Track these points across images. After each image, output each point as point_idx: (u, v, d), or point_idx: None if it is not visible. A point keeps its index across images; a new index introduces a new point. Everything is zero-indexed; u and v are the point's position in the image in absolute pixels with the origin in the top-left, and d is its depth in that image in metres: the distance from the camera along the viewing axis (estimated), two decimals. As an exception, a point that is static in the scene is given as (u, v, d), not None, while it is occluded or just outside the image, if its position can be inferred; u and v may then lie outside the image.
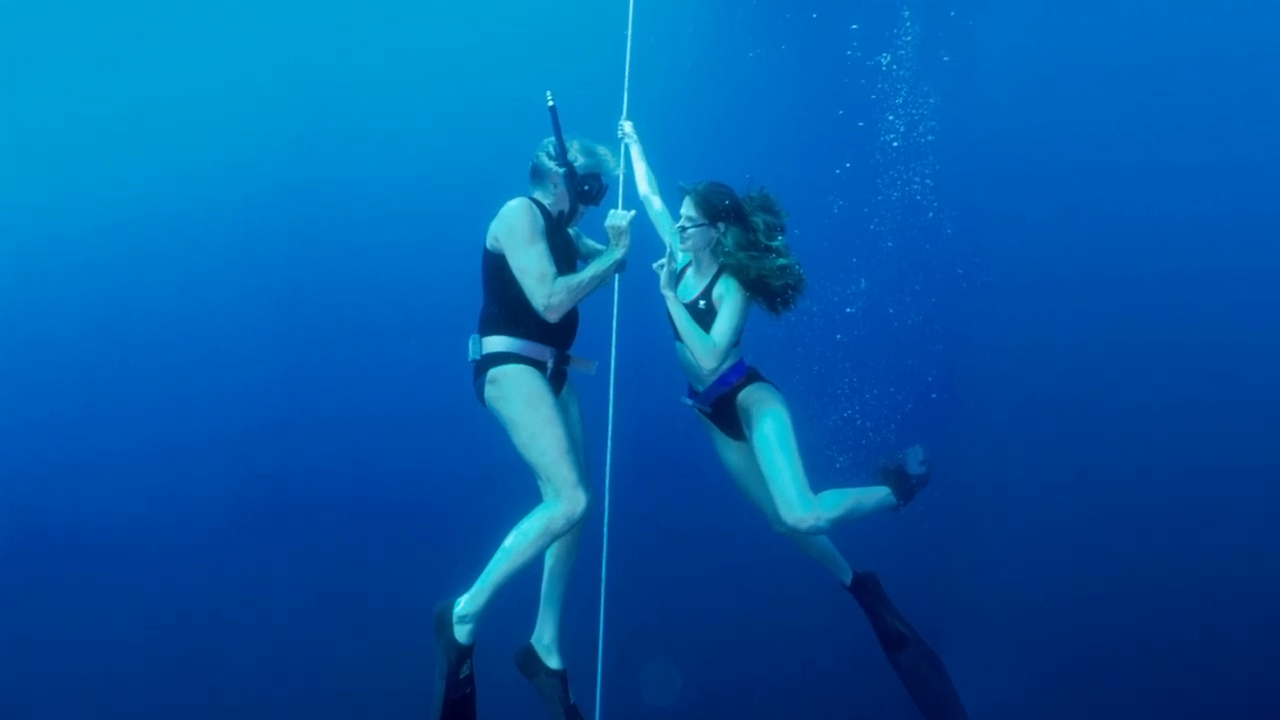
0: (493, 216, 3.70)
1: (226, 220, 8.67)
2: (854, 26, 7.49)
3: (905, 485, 4.13)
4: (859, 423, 7.07)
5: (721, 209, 3.76)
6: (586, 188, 3.83)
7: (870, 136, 7.29)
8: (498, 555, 3.59)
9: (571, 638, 3.96)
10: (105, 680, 6.13)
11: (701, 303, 3.80)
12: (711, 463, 4.19)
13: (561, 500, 3.53)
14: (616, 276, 3.90)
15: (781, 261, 3.71)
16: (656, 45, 4.83)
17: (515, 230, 3.61)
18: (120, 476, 7.65)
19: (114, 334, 8.41)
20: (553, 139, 3.78)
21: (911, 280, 7.51)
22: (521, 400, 3.62)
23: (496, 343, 3.70)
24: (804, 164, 7.30)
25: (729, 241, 3.74)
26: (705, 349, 3.67)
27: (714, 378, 3.86)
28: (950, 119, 7.22)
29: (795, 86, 7.99)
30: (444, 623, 3.65)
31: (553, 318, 3.61)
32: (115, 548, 7.29)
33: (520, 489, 3.74)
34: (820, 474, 3.78)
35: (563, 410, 3.71)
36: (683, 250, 3.90)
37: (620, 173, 4.00)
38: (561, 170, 3.77)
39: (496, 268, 3.67)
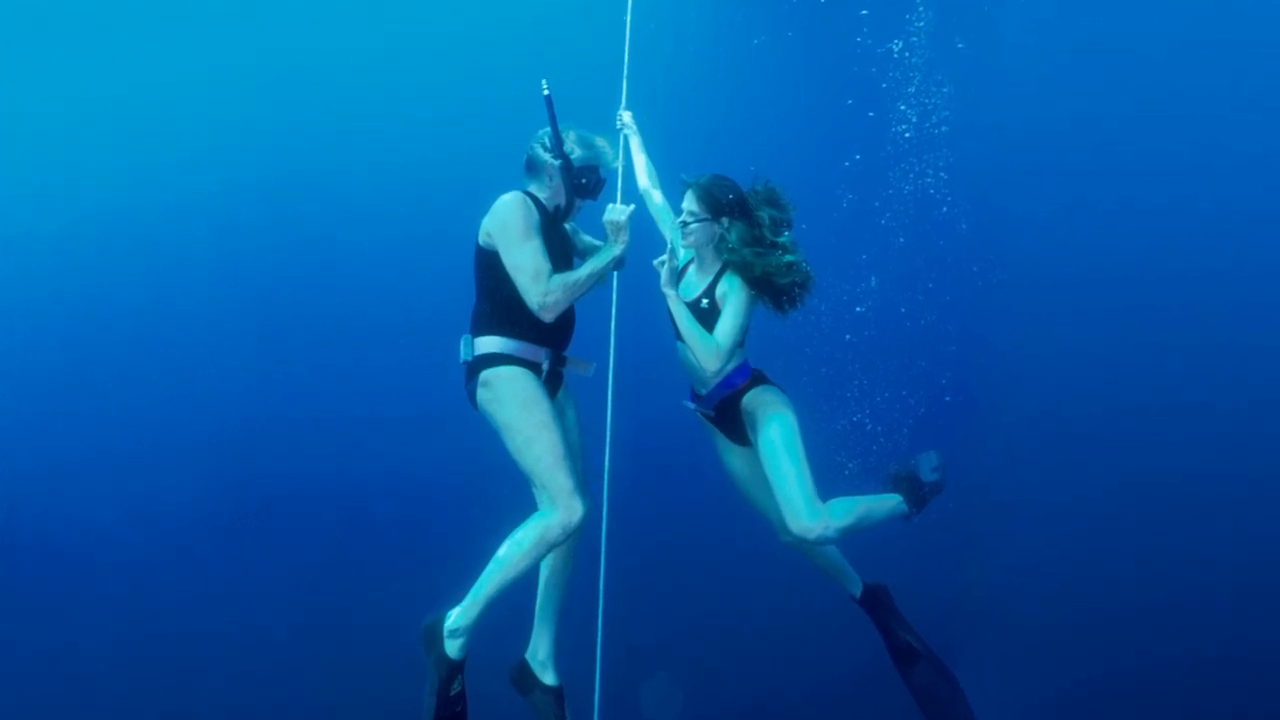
0: (485, 211, 3.70)
1: (204, 214, 8.66)
2: (864, 12, 7.49)
3: (918, 493, 4.14)
4: (869, 427, 7.07)
5: (725, 203, 3.76)
6: (583, 181, 3.83)
7: (881, 127, 7.29)
8: (491, 566, 3.59)
9: (568, 652, 3.96)
10: (77, 698, 6.13)
11: (704, 301, 3.81)
12: (714, 469, 4.20)
13: (557, 508, 3.54)
14: (615, 274, 3.90)
15: (788, 258, 3.71)
16: (657, 31, 4.84)
17: (509, 225, 3.61)
18: (91, 483, 7.64)
19: (84, 334, 8.40)
20: (548, 130, 3.77)
21: (924, 278, 7.51)
22: (515, 404, 3.62)
23: (489, 343, 3.71)
24: (811, 156, 7.30)
25: (733, 237, 3.74)
26: (708, 350, 3.67)
27: (717, 380, 3.87)
28: (965, 109, 7.22)
29: (802, 75, 8.00)
30: (434, 637, 3.66)
31: (548, 317, 3.61)
32: (86, 558, 7.28)
33: (514, 497, 3.74)
34: (829, 481, 3.78)
35: (559, 414, 3.71)
36: (684, 246, 3.91)
37: (619, 165, 4.01)
38: (557, 162, 3.78)
39: (489, 265, 3.67)
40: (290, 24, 8.89)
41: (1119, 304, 7.31)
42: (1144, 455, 6.86)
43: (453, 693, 3.64)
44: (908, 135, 7.22)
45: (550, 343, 3.77)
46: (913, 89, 7.19)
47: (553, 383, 3.82)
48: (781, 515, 3.73)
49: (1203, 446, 6.80)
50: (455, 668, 3.64)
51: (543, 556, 3.65)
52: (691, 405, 4.08)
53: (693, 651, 6.18)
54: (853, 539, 3.89)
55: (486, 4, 8.90)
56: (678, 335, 3.80)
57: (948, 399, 7.30)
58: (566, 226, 3.99)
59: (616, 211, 3.72)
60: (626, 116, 4.29)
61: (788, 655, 6.09)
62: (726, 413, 3.94)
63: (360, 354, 8.16)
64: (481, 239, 3.70)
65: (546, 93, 3.71)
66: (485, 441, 3.78)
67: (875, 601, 4.27)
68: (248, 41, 8.82)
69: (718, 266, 3.83)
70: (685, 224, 3.80)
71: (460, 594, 3.64)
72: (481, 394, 3.69)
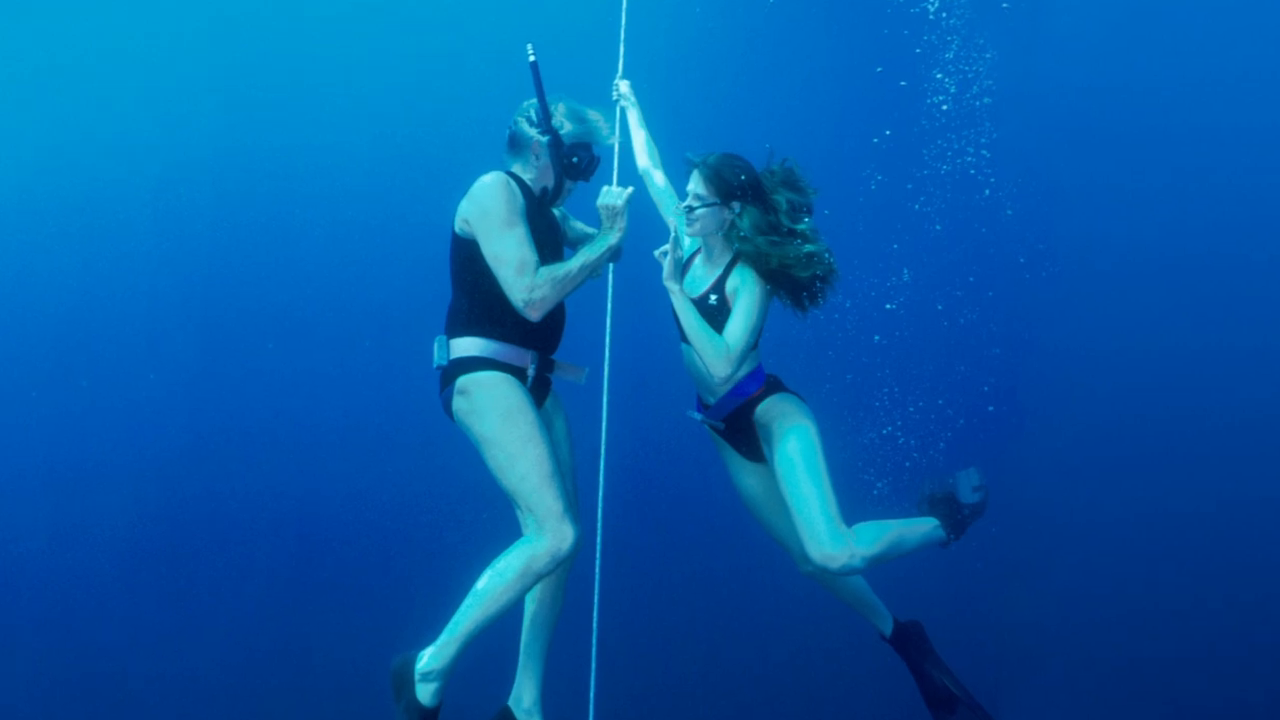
0: (463, 194, 3.71)
1: (142, 194, 8.65)
2: (895, -33, 7.52)
3: (956, 516, 4.15)
4: (901, 441, 7.08)
5: (736, 185, 3.78)
6: (575, 160, 3.85)
7: (915, 98, 7.30)
8: (469, 600, 3.59)
9: (556, 699, 3.97)
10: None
11: (712, 298, 3.82)
12: (723, 489, 4.21)
13: (545, 534, 3.54)
14: (610, 266, 3.92)
15: (808, 248, 3.72)
16: (659, -10, 4.86)
17: (489, 211, 3.62)
18: (12, 505, 7.64)
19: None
20: (534, 101, 3.80)
21: (964, 271, 7.51)
22: (497, 414, 3.63)
23: (467, 345, 3.72)
24: (835, 132, 7.32)
25: (745, 224, 3.76)
26: (717, 353, 3.68)
27: (727, 387, 3.88)
28: (1010, 77, 7.22)
29: (824, 39, 8.00)
30: (404, 680, 3.66)
31: (534, 315, 3.62)
32: (6, 590, 7.29)
33: (496, 520, 3.75)
34: (855, 503, 3.79)
35: (546, 426, 3.72)
36: (690, 235, 3.92)
37: (615, 142, 4.03)
38: (545, 139, 3.79)
39: (467, 256, 3.69)
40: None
41: (1187, 301, 7.29)
42: (1219, 472, 6.84)
43: (425, 744, 3.66)
44: (945, 107, 7.23)
45: (537, 345, 3.78)
46: (951, 55, 7.20)
47: (539, 390, 3.83)
48: (801, 542, 3.74)
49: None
50: (428, 716, 3.64)
51: (528, 589, 3.65)
52: (698, 416, 4.09)
53: (699, 697, 6.19)
54: (882, 569, 3.90)
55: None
56: (682, 336, 3.82)
57: (990, 409, 7.31)
58: (555, 212, 4.01)
59: (612, 195, 3.73)
60: (624, 86, 4.31)
61: (809, 702, 6.10)
62: (738, 425, 3.95)
63: (320, 357, 8.13)
64: (458, 226, 3.71)
65: (532, 59, 3.73)
66: (463, 457, 3.79)
67: (908, 640, 4.28)
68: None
69: (728, 258, 3.84)
70: (691, 209, 3.81)
71: (434, 631, 3.65)
72: (458, 403, 3.70)
